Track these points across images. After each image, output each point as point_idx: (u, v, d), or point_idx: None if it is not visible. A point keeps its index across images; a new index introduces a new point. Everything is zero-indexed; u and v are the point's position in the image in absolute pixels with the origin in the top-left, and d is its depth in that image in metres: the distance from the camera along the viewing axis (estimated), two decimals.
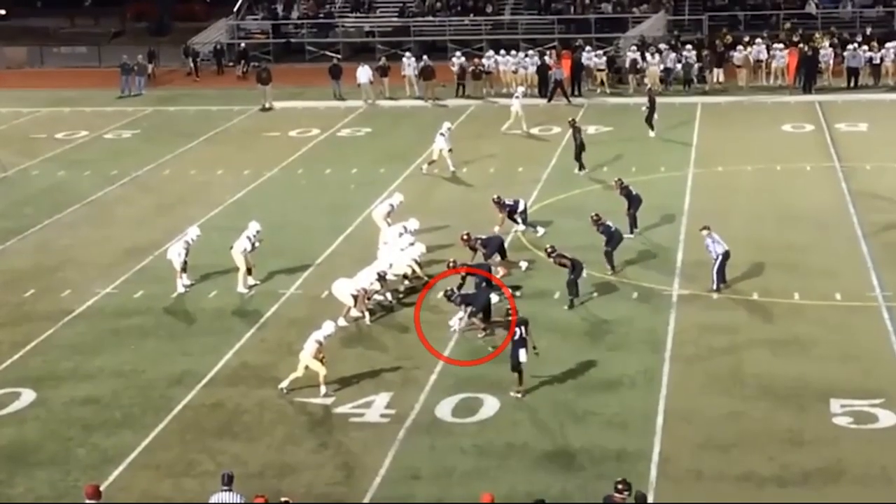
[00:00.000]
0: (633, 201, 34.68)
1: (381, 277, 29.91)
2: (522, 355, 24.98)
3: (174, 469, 22.74)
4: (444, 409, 24.66)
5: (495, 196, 35.19)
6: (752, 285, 30.63)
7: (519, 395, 25.02)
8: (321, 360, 25.50)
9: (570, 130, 42.61)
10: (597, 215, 32.00)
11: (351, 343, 28.26)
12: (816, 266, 32.08)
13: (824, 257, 32.79)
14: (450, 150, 42.84)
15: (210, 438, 23.87)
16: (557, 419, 24.07)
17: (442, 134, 42.99)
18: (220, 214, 38.90)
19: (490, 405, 24.73)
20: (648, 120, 46.58)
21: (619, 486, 18.87)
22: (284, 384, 25.77)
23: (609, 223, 31.83)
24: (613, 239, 31.82)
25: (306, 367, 25.53)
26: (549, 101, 54.66)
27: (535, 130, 49.31)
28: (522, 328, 25.18)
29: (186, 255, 31.57)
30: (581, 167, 41.80)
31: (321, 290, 31.27)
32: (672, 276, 31.34)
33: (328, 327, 26.12)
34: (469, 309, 28.29)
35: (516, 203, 35.22)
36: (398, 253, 31.53)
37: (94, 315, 30.83)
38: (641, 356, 26.70)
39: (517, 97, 49.79)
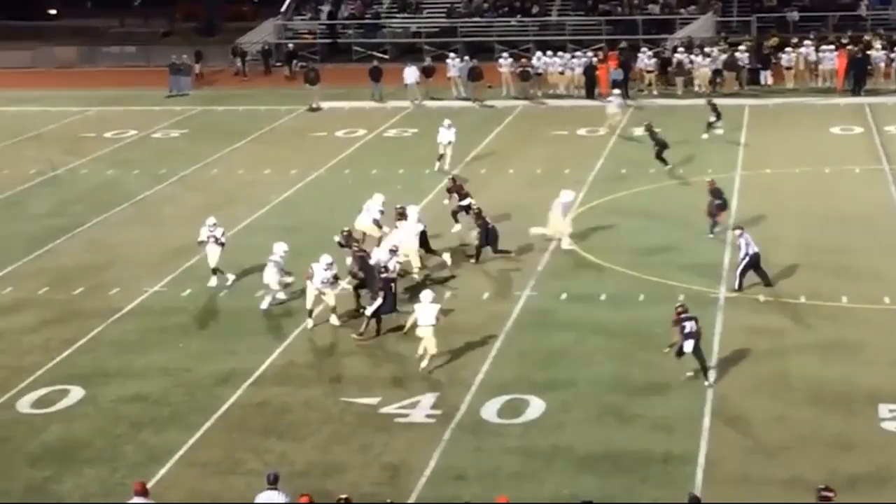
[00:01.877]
0: (719, 204, 34.61)
1: (394, 251, 30.09)
2: (688, 346, 25.17)
3: (220, 467, 22.84)
4: (489, 410, 24.66)
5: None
6: (799, 288, 30.45)
7: (707, 383, 25.32)
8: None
9: (648, 133, 42.47)
10: (478, 209, 33.32)
11: (397, 343, 28.28)
12: (865, 269, 31.85)
13: (873, 260, 32.54)
14: (448, 143, 43.53)
15: (256, 437, 23.96)
16: (603, 421, 24.03)
17: (449, 128, 43.67)
18: (266, 214, 39.05)
19: (535, 406, 24.70)
20: (711, 125, 46.10)
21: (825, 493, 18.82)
22: (424, 364, 26.47)
23: (488, 221, 32.78)
24: (489, 236, 32.48)
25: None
26: (624, 100, 54.18)
27: (582, 132, 49.24)
28: (694, 322, 25.26)
29: (281, 273, 30.84)
30: (665, 163, 41.75)
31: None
32: (719, 279, 31.20)
33: (427, 297, 26.85)
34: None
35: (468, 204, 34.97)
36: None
37: (142, 313, 31.03)
38: (688, 359, 26.53)
39: (610, 100, 49.66)
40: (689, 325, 25.26)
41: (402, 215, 32.79)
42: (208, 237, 32.43)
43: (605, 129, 46.84)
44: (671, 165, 41.66)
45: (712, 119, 46.10)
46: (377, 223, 33.83)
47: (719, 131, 46.12)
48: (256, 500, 19.68)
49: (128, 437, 24.20)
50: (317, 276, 29.24)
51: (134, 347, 28.77)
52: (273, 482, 19.75)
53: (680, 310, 25.60)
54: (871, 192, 39.03)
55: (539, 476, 22.04)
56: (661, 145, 41.75)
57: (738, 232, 30.69)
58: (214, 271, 32.52)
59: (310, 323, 29.39)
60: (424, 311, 26.64)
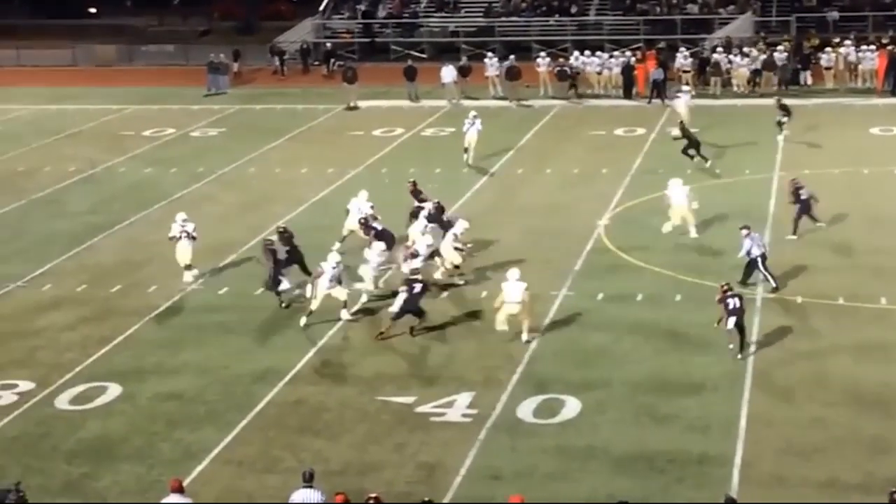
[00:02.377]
0: (802, 205, 34.45)
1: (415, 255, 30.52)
2: (730, 322, 26.25)
3: (256, 465, 22.91)
4: (525, 410, 24.65)
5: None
6: (837, 289, 30.30)
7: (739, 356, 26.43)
8: None
9: (680, 132, 42.37)
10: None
11: (433, 342, 28.32)
12: None
13: None
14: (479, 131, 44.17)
15: (292, 435, 24.03)
16: (639, 421, 23.98)
17: (473, 121, 44.08)
18: (304, 212, 39.14)
19: (571, 406, 24.68)
20: (781, 125, 45.78)
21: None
22: (525, 337, 27.66)
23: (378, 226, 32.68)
24: (384, 236, 32.27)
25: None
26: (662, 100, 54.08)
27: (619, 132, 49.17)
28: (737, 299, 26.30)
29: (339, 282, 30.42)
30: (704, 159, 41.88)
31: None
32: (757, 279, 31.05)
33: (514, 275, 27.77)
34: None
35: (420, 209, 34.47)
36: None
37: (179, 311, 31.17)
38: (724, 359, 26.51)
39: (678, 96, 48.96)
40: (733, 302, 26.17)
41: (414, 216, 32.90)
42: (180, 233, 32.66)
43: (676, 129, 45.70)
44: (709, 161, 41.67)
45: (783, 119, 45.51)
46: (366, 221, 33.75)
47: (785, 132, 45.64)
48: (292, 499, 19.73)
49: (164, 434, 24.31)
50: (326, 275, 29.40)
51: (171, 345, 28.90)
52: (308, 480, 19.80)
53: (725, 287, 26.51)
54: None
55: (574, 476, 22.02)
56: (694, 143, 41.72)
57: (744, 232, 30.68)
58: (188, 267, 32.71)
59: (303, 321, 29.51)
60: (511, 289, 27.56)
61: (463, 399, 25.22)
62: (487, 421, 24.22)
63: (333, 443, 23.66)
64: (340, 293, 29.68)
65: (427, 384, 26.07)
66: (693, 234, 34.61)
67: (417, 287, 28.58)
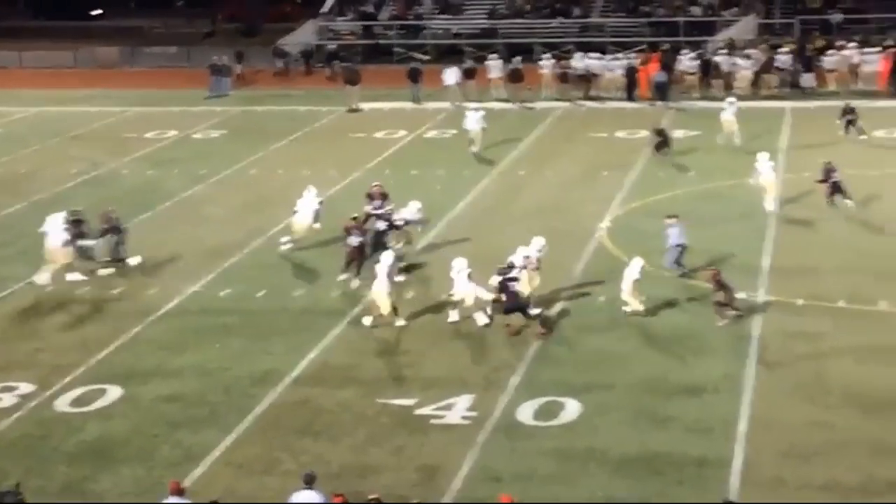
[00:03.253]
0: (832, 186, 36.26)
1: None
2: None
3: (256, 467, 22.90)
4: (525, 412, 24.62)
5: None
6: (838, 292, 30.27)
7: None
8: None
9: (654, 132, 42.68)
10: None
11: (433, 344, 28.31)
12: None
13: None
14: (483, 129, 45.58)
15: (292, 438, 24.02)
16: (639, 424, 23.96)
17: (475, 112, 45.76)
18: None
19: (571, 409, 24.65)
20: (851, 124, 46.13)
21: None
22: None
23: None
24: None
25: None
26: (663, 101, 54.22)
27: (621, 134, 49.18)
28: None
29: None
30: (659, 154, 43.35)
31: (406, 291, 31.38)
32: (757, 282, 31.06)
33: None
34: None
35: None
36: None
37: (180, 313, 31.16)
38: (725, 362, 26.51)
39: (725, 107, 46.44)
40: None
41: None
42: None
43: (722, 139, 45.34)
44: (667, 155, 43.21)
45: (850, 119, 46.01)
46: (316, 217, 34.51)
47: (863, 136, 45.83)
48: (291, 499, 19.75)
49: (165, 436, 24.29)
50: (382, 273, 29.34)
51: (172, 347, 28.88)
52: (309, 482, 19.81)
53: (714, 272, 28.75)
54: None
55: (574, 478, 22.00)
56: (665, 143, 43.22)
57: (671, 220, 31.57)
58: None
59: (368, 320, 29.44)
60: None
61: (463, 401, 25.19)
62: (487, 423, 24.19)
63: (333, 445, 23.65)
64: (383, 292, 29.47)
65: (427, 386, 26.05)
66: (770, 207, 36.57)
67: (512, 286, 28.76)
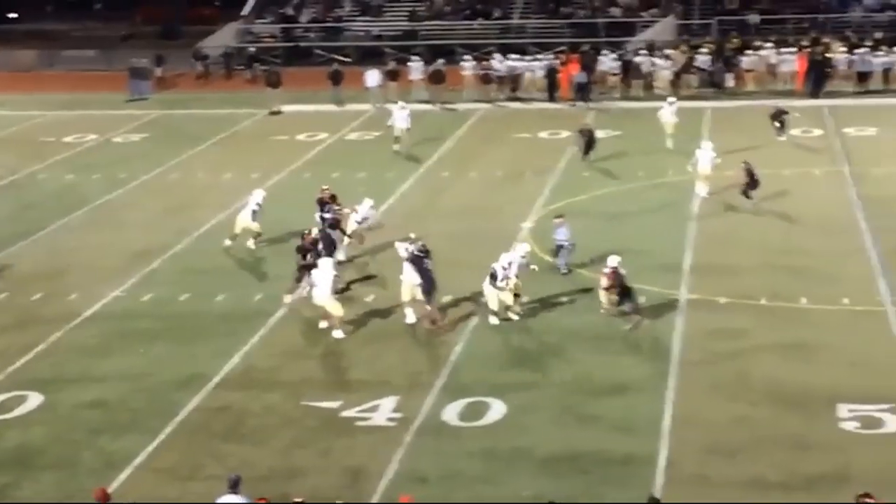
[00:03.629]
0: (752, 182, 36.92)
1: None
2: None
3: (180, 473, 22.72)
4: (450, 413, 24.64)
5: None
6: (759, 290, 30.57)
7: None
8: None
9: (580, 132, 42.83)
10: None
11: (358, 347, 28.26)
12: (824, 271, 32.02)
13: (832, 262, 32.72)
14: (407, 129, 46.15)
15: (217, 442, 23.87)
16: (564, 423, 24.05)
17: (402, 111, 46.45)
18: (228, 217, 38.80)
19: (496, 409, 24.70)
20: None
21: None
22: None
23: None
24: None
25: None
26: (586, 103, 54.51)
27: (544, 135, 49.36)
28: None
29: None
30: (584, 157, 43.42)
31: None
32: (679, 281, 31.29)
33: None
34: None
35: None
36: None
37: (101, 318, 30.86)
38: (648, 360, 26.69)
39: (664, 106, 46.79)
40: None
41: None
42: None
43: (669, 142, 45.54)
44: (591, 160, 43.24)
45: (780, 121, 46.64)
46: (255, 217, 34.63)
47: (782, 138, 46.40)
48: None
49: (86, 442, 24.04)
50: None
51: (93, 353, 28.61)
52: (233, 486, 19.69)
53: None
54: (830, 193, 39.28)
55: (500, 478, 22.04)
56: (591, 143, 43.41)
57: (559, 220, 32.36)
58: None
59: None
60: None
61: (388, 403, 25.17)
62: (413, 424, 24.19)
63: (258, 449, 23.52)
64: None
65: (352, 388, 26.01)
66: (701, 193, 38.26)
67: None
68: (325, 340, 28.59)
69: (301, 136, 51.17)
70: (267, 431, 24.22)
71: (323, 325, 29.07)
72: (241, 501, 19.58)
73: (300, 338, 28.80)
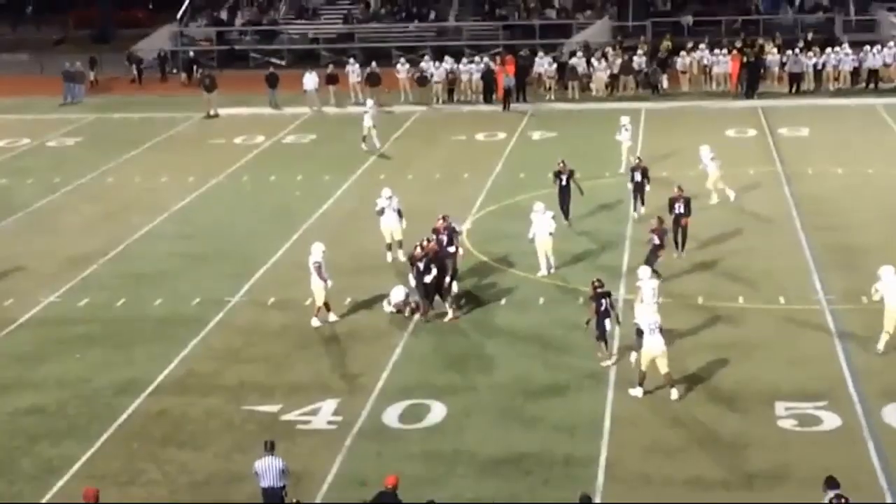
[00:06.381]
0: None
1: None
2: (608, 324, 26.55)
3: (120, 478, 22.56)
4: (391, 416, 24.64)
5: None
6: (696, 289, 30.80)
7: (609, 363, 26.53)
8: None
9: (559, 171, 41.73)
10: None
11: (297, 349, 28.19)
12: (760, 270, 32.28)
13: (768, 261, 33.00)
14: (373, 127, 46.51)
15: (156, 447, 23.71)
16: (505, 424, 24.10)
17: (367, 112, 46.84)
18: (165, 221, 38.70)
19: (437, 411, 24.73)
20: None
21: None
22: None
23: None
24: None
25: None
26: (506, 109, 54.61)
27: (480, 137, 49.46)
28: (607, 300, 26.59)
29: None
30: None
31: (267, 296, 31.28)
32: (618, 280, 31.42)
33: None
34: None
35: None
36: None
37: (37, 324, 30.59)
38: (588, 360, 26.76)
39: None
40: (605, 304, 26.61)
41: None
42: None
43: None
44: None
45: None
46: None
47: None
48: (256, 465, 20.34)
49: (24, 449, 23.83)
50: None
51: (30, 359, 28.34)
52: (271, 449, 20.47)
53: (596, 285, 26.89)
54: (765, 193, 39.61)
55: (442, 480, 22.06)
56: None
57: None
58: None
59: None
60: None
61: (328, 406, 25.15)
62: (353, 427, 24.17)
63: (198, 453, 23.40)
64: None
65: (292, 392, 25.93)
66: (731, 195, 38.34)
67: None
68: (264, 344, 28.49)
69: (238, 140, 50.97)
70: (207, 436, 24.11)
71: (315, 323, 29.33)
72: (280, 463, 20.22)
73: (239, 342, 28.67)
